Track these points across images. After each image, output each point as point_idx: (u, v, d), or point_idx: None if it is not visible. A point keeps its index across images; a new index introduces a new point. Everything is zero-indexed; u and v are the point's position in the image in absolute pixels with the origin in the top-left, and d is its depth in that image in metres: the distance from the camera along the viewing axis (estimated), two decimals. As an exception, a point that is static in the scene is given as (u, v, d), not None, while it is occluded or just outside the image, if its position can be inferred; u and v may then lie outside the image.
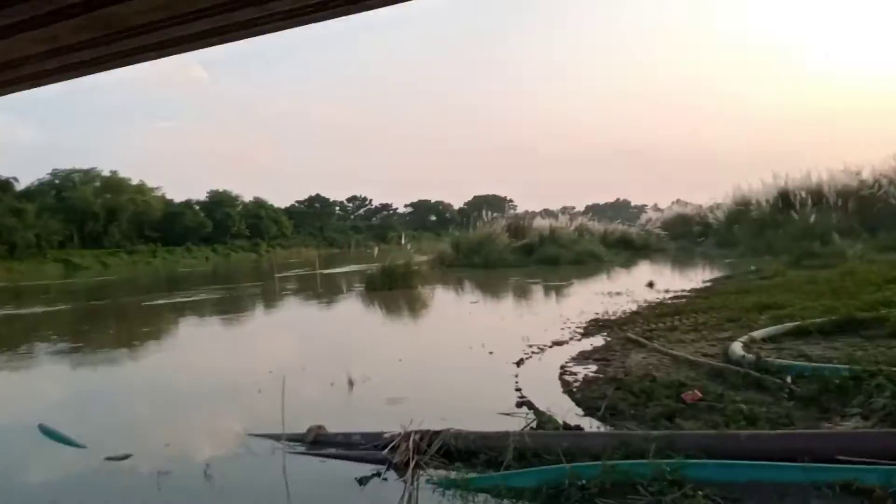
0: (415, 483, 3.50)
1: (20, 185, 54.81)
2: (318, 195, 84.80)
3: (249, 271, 35.78)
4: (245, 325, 12.42)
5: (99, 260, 52.57)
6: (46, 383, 7.47)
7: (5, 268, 45.31)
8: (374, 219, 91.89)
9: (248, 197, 71.57)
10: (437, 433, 3.89)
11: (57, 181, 59.02)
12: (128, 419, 5.42)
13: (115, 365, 8.38)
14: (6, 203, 49.31)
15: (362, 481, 3.57)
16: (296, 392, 4.49)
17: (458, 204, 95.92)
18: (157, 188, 63.49)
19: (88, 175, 60.00)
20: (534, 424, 4.24)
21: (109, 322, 14.12)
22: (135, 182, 61.46)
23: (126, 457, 4.16)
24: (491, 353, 7.08)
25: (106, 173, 60.51)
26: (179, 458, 4.19)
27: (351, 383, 5.85)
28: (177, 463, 4.05)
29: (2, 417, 5.90)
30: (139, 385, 7.07)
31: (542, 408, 4.58)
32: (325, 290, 19.11)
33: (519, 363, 6.42)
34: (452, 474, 3.53)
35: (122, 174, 60.77)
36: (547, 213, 31.02)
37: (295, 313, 14.09)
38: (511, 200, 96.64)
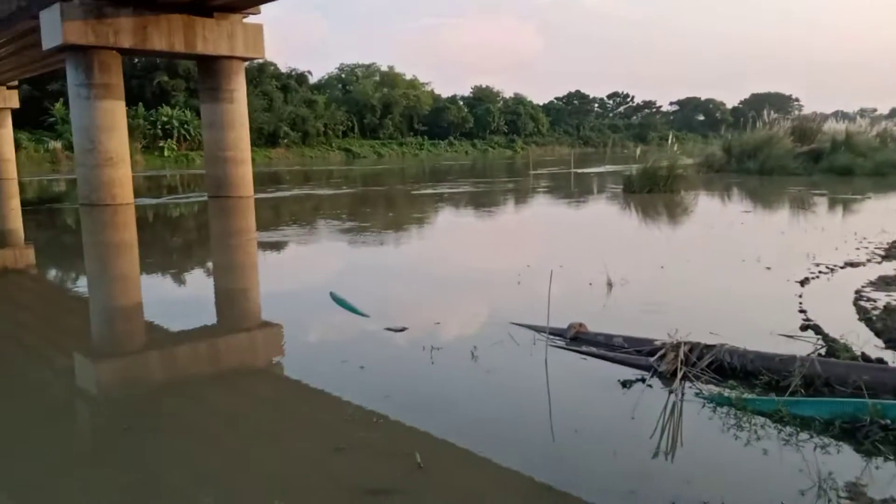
0: (681, 394, 3.33)
1: (313, 78, 61.30)
2: (577, 91, 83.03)
3: (505, 167, 36.66)
4: (501, 219, 12.81)
5: (374, 150, 57.66)
6: (335, 256, 8.44)
7: (299, 153, 51.86)
8: (635, 117, 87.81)
9: (508, 93, 72.59)
10: (709, 346, 3.63)
11: (343, 75, 65.14)
12: (401, 295, 5.92)
13: (391, 245, 9.18)
14: (301, 94, 55.65)
15: (626, 384, 3.48)
16: (553, 288, 4.46)
17: (731, 102, 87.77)
18: (427, 83, 67.10)
19: (369, 70, 65.28)
20: (822, 351, 3.76)
21: (386, 206, 15.49)
22: (408, 77, 65.53)
23: (403, 329, 4.54)
24: (768, 268, 6.43)
25: (384, 68, 65.30)
26: (448, 336, 4.47)
27: (609, 285, 5.73)
28: (446, 340, 4.33)
29: (298, 283, 6.81)
30: (412, 265, 7.67)
31: (832, 334, 4.05)
32: (579, 190, 18.89)
33: (803, 282, 5.74)
34: (725, 392, 3.29)
35: (398, 69, 65.18)
36: (841, 115, 26.94)
37: (550, 211, 14.16)
38: (797, 99, 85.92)
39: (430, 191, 19.16)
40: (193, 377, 4.02)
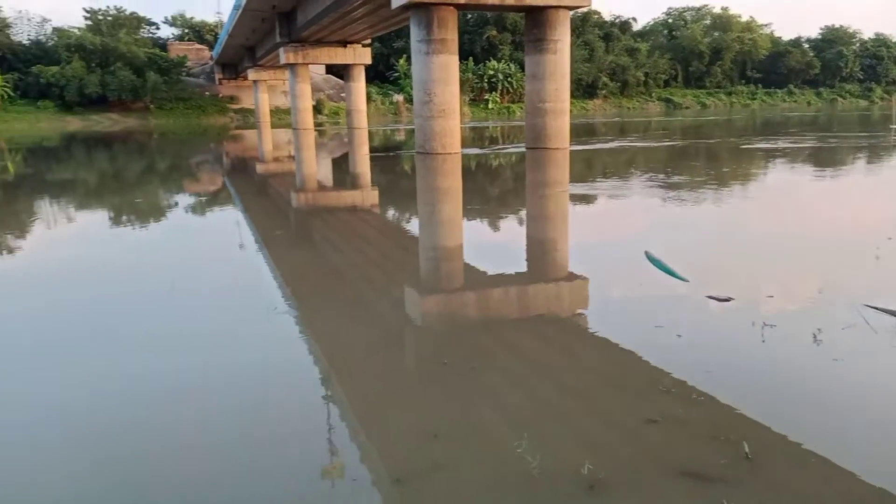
0: None
1: (637, 25, 59.19)
2: (966, 27, 67.20)
3: (858, 120, 31.52)
4: (853, 181, 10.98)
5: (698, 100, 54.02)
6: (650, 212, 8.02)
7: (616, 104, 50.86)
8: None
9: (867, 33, 62.01)
10: None
11: (670, 20, 61.75)
12: (726, 261, 5.38)
13: (714, 203, 8.45)
14: (623, 43, 54.15)
15: None
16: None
17: None
18: (766, 25, 60.54)
19: (699, 13, 60.91)
20: None
21: (710, 162, 14.36)
22: (743, 19, 59.65)
23: (728, 299, 4.09)
24: None
25: (717, 10, 60.35)
26: (784, 312, 3.90)
27: None
28: (781, 317, 3.78)
29: (609, 238, 6.62)
30: (739, 228, 6.96)
31: None
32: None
33: None
34: None
35: (733, 11, 59.87)
36: None
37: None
38: None
39: (764, 145, 17.28)
40: (505, 321, 4.13)
